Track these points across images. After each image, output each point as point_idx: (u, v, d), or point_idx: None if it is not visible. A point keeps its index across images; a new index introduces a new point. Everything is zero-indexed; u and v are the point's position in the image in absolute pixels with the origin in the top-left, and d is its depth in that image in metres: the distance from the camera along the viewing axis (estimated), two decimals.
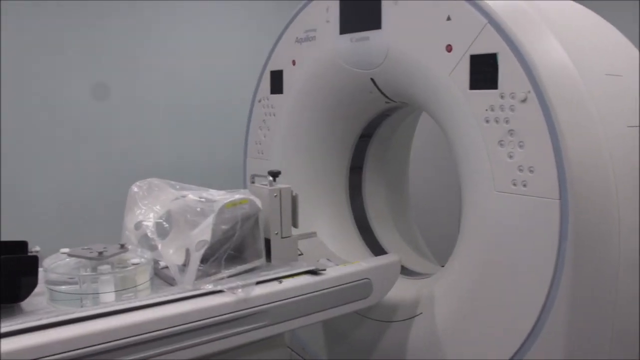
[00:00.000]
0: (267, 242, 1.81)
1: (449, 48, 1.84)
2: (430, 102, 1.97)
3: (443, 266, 2.13)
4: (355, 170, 2.63)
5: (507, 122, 1.70)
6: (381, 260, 1.99)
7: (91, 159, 2.90)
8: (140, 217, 1.79)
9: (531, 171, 1.65)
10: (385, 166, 2.71)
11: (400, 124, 2.64)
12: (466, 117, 1.80)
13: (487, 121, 1.75)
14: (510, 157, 1.69)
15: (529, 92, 1.63)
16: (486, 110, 1.75)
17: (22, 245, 1.56)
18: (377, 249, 2.55)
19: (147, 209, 1.81)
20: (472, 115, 1.78)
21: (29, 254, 1.55)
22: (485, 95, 1.75)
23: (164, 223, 1.75)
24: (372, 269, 1.87)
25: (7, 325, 1.28)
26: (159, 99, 3.08)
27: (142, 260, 1.59)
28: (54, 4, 2.71)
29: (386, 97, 2.25)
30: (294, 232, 1.89)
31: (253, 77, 2.64)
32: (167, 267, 1.65)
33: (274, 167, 1.92)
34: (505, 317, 1.76)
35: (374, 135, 2.62)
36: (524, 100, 1.64)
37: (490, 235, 1.78)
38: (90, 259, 1.52)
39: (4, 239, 1.56)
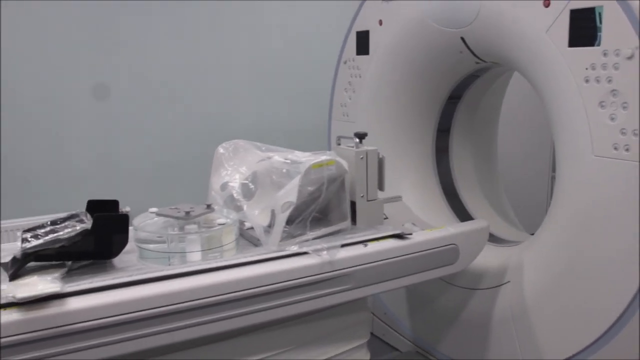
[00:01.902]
0: (353, 205, 1.79)
1: (546, 3, 1.74)
2: (524, 61, 1.87)
3: (532, 234, 2.05)
4: (443, 134, 2.55)
5: (609, 81, 1.58)
6: (469, 225, 1.93)
7: (178, 122, 2.95)
8: (226, 178, 1.80)
9: (635, 134, 1.54)
10: (474, 129, 2.62)
11: (490, 86, 2.54)
12: (564, 76, 1.70)
13: (587, 81, 1.64)
14: (612, 119, 1.59)
15: (637, 48, 1.51)
16: (586, 69, 1.64)
17: (114, 204, 1.60)
18: (463, 215, 2.49)
19: (233, 170, 1.82)
20: (571, 74, 1.68)
21: (120, 212, 1.59)
22: (585, 52, 1.64)
23: (250, 184, 1.76)
24: (459, 235, 1.82)
25: (100, 281, 1.33)
26: (244, 60, 3.09)
27: (228, 220, 1.60)
28: None
29: (477, 57, 2.16)
30: (380, 195, 1.86)
31: (338, 38, 2.59)
32: (252, 228, 1.66)
33: (359, 130, 1.88)
34: (601, 289, 1.67)
35: (462, 97, 2.53)
36: (630, 58, 1.53)
37: (588, 203, 1.68)
38: (177, 218, 1.55)
39: (97, 198, 1.61)
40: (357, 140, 1.84)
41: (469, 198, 2.55)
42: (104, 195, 1.65)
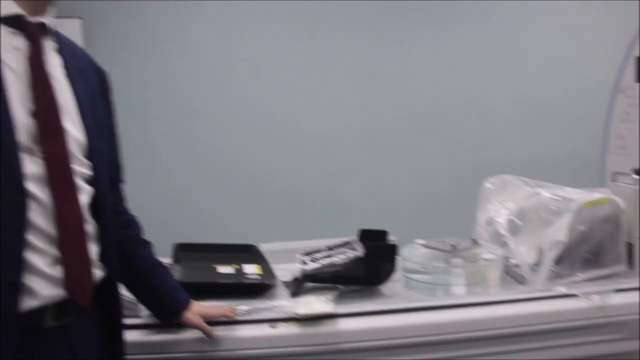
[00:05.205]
0: (629, 247, 1.66)
1: None
2: None
3: None
4: None
5: None
6: None
7: (443, 154, 3.00)
8: (493, 213, 1.79)
9: None
10: None
11: None
12: None
13: None
14: None
15: None
16: None
17: (383, 234, 1.68)
18: None
19: (499, 205, 1.80)
20: None
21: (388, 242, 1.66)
22: None
23: (517, 220, 1.73)
24: None
25: (369, 305, 1.42)
26: (508, 92, 3.04)
27: (494, 256, 1.59)
28: None
29: None
30: None
31: (611, 64, 2.41)
32: (517, 265, 1.63)
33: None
34: None
35: None
36: None
37: None
38: (444, 251, 1.59)
39: (365, 226, 1.69)
40: (636, 176, 1.70)
41: None
42: (366, 224, 1.74)
